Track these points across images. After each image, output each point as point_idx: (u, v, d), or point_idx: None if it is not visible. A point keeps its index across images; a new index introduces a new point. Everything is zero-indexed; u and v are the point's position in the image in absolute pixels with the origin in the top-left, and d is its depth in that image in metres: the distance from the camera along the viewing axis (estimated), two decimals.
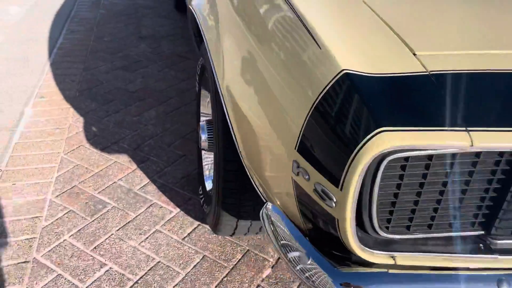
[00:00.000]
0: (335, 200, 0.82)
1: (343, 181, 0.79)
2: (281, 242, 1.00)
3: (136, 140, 2.38)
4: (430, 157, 0.79)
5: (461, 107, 0.79)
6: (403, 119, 0.77)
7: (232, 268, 1.68)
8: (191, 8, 1.66)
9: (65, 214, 1.86)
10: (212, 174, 1.85)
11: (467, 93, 0.81)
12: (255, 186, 1.28)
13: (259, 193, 1.28)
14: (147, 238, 1.78)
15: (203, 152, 1.90)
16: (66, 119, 2.52)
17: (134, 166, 2.18)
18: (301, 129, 0.88)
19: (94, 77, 3.03)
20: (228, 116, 1.26)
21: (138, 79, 3.05)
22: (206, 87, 1.86)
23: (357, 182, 0.78)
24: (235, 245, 1.77)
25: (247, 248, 1.76)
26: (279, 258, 1.73)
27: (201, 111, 1.94)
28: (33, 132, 2.38)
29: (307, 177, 0.87)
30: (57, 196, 1.95)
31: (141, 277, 1.60)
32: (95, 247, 1.72)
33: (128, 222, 1.84)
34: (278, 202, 1.09)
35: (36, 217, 1.83)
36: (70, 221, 1.83)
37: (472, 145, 0.75)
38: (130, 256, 1.69)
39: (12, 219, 1.81)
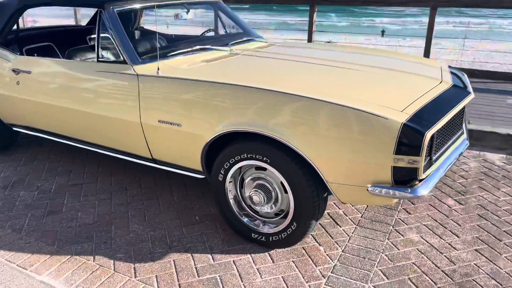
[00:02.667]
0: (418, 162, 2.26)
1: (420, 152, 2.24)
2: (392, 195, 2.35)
3: (163, 243, 3.02)
4: None
5: None
6: None
7: (310, 252, 2.83)
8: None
9: None
10: (263, 220, 2.89)
11: None
12: (333, 192, 2.53)
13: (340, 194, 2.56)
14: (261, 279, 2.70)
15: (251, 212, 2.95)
16: None
17: (188, 255, 2.89)
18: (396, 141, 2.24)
19: None
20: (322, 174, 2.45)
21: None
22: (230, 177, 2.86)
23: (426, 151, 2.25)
24: (295, 246, 2.91)
25: (309, 241, 2.93)
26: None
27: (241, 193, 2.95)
28: None
29: (404, 159, 2.26)
30: None
31: None
32: None
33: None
34: (369, 184, 2.41)
35: None
36: None
37: None
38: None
39: None
